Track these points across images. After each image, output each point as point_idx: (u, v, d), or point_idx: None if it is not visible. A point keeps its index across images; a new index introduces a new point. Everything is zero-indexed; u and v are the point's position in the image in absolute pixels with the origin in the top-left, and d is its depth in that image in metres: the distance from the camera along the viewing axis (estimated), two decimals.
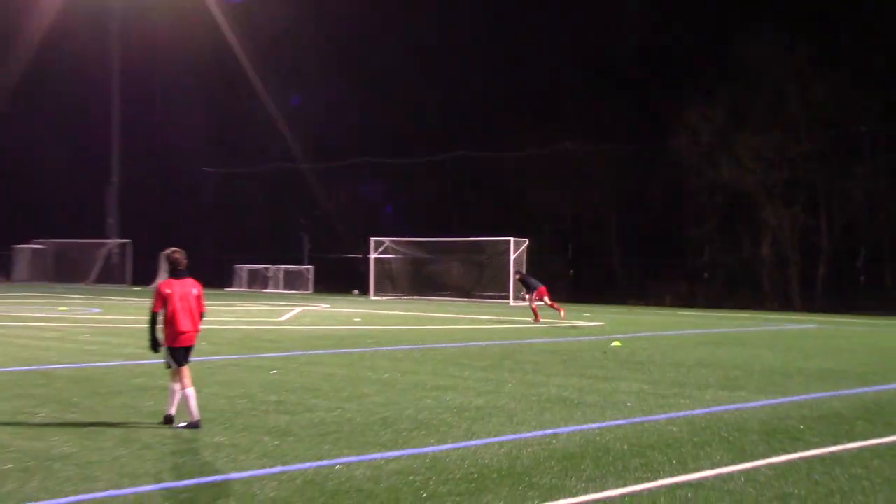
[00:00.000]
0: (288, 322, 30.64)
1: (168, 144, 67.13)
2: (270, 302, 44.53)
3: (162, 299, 11.20)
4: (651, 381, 16.21)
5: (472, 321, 32.71)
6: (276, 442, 10.41)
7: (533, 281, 32.80)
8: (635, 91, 50.76)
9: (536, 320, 31.97)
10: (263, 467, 9.17)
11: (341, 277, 55.90)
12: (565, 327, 29.97)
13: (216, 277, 59.25)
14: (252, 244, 62.02)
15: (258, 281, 58.79)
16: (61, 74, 68.21)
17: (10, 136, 70.34)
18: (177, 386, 11.31)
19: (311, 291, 55.31)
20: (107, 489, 8.24)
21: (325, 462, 9.42)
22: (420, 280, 51.90)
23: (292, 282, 57.04)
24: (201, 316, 11.77)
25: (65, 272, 66.20)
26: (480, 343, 23.66)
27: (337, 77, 61.35)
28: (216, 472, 8.94)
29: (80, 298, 44.26)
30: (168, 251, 11.64)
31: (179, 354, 11.37)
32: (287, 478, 8.78)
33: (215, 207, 65.92)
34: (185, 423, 11.26)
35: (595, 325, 31.41)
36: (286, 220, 61.59)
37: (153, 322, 11.25)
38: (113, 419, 11.66)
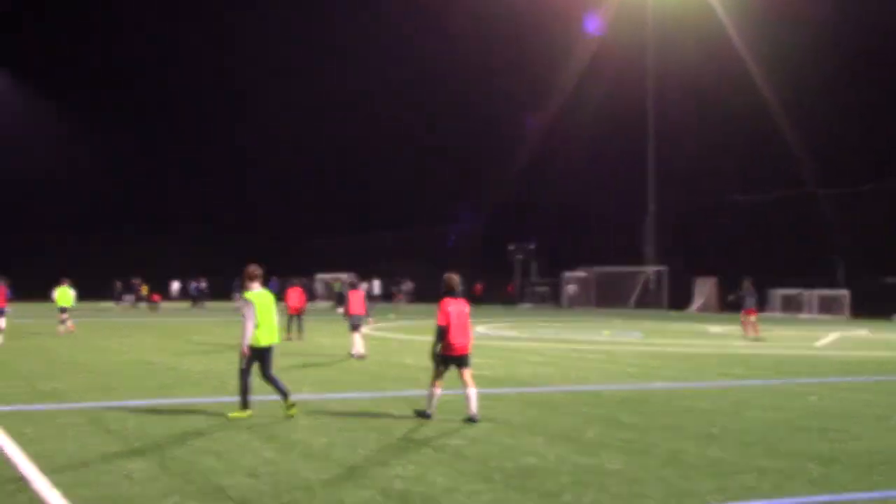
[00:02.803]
0: (825, 347, 29.30)
1: (698, 174, 67.25)
2: (805, 327, 42.95)
3: (445, 315, 12.67)
4: None
5: None
6: (823, 469, 9.90)
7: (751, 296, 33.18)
8: None
9: (754, 334, 32.31)
10: (810, 494, 8.75)
11: (883, 302, 52.53)
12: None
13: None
14: (785, 269, 60.25)
15: (792, 305, 57.05)
16: (598, 109, 71.00)
17: (551, 167, 74.39)
18: (437, 390, 12.93)
19: (847, 316, 52.62)
20: None
21: (875, 493, 8.80)
22: None
23: (827, 306, 54.65)
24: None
25: (607, 297, 68.57)
26: None
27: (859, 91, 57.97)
28: (763, 497, 8.66)
29: (621, 322, 45.51)
30: (447, 275, 13.13)
31: (449, 362, 12.92)
32: None
33: (744, 233, 64.88)
34: (420, 410, 13.10)
35: None
36: (819, 244, 59.10)
37: (439, 335, 12.74)
38: (658, 439, 11.75)
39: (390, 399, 15.39)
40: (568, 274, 71.39)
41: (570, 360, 23.40)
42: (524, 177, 76.36)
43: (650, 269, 68.11)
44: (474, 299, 68.71)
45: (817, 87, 57.93)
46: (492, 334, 34.35)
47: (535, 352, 26.05)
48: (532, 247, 74.07)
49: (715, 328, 40.62)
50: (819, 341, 32.01)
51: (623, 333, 36.07)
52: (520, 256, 74.68)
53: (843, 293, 54.43)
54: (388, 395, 16.04)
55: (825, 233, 58.19)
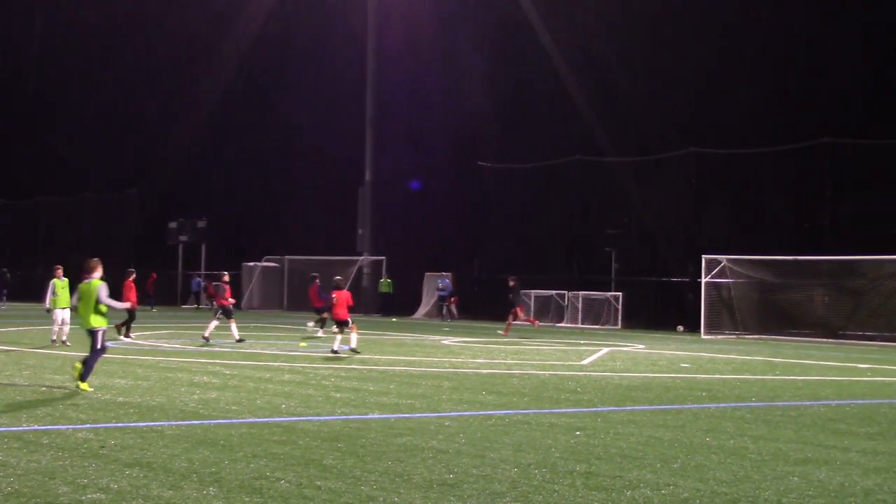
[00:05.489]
0: (592, 367, 30.60)
1: (430, 133, 68.51)
2: (567, 340, 44.67)
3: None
4: None
5: (847, 370, 31.66)
6: None
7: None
8: None
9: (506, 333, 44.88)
10: None
11: (661, 308, 55.47)
12: None
13: (493, 306, 59.98)
14: (540, 262, 62.38)
15: (550, 312, 59.14)
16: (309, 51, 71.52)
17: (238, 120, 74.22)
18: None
19: (619, 326, 55.15)
20: None
21: None
22: (769, 313, 50.79)
23: (595, 313, 57.05)
24: None
25: (302, 297, 68.76)
26: (863, 401, 22.82)
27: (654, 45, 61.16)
28: None
29: (322, 331, 45.76)
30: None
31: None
32: None
33: (494, 211, 66.64)
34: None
35: None
36: (587, 231, 61.64)
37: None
38: (375, 490, 11.87)
39: None
40: (252, 264, 71.06)
41: (253, 381, 23.30)
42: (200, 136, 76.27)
43: (364, 259, 68.82)
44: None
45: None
46: (144, 345, 33.73)
47: (205, 370, 25.83)
48: (202, 225, 73.12)
49: (451, 340, 41.53)
50: (585, 359, 33.36)
51: (326, 346, 36.27)
52: (184, 238, 73.64)
53: (616, 295, 56.92)
54: None
55: (601, 214, 60.59)
